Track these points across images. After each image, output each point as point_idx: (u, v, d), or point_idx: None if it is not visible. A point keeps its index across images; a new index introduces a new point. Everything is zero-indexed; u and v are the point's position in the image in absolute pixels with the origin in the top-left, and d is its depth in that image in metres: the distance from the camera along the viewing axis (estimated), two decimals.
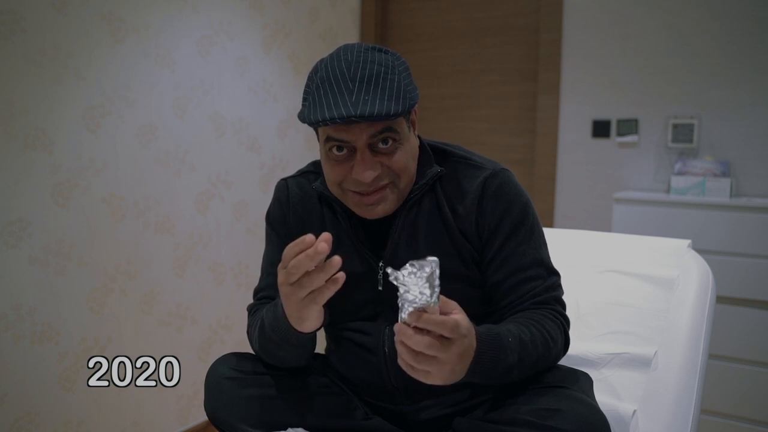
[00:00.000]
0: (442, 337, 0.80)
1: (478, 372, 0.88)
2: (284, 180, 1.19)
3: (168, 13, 2.12)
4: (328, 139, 0.99)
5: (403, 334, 0.80)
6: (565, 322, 1.05)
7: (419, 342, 0.79)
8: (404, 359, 0.82)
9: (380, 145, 0.98)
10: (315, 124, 0.96)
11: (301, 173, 1.19)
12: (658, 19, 2.43)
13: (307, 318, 0.94)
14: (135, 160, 2.04)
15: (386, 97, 0.94)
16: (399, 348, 0.82)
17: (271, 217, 1.19)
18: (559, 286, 1.08)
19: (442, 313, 0.81)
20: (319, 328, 1.03)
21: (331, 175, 1.02)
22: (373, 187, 0.99)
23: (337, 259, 0.86)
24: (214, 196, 2.35)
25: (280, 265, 0.90)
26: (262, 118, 2.54)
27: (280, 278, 0.90)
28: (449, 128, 2.98)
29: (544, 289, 1.04)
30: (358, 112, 0.91)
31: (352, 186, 1.00)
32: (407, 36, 3.08)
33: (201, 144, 2.28)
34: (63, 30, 1.81)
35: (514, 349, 0.92)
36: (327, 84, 0.96)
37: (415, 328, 0.79)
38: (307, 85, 1.00)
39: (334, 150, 0.99)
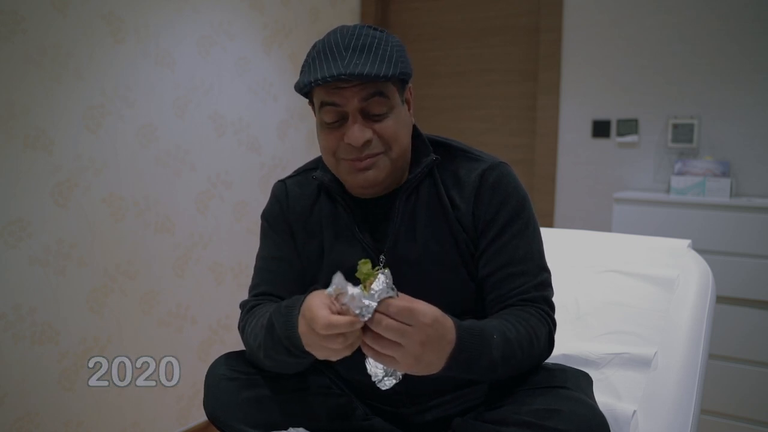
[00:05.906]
0: (402, 323, 0.82)
1: (458, 366, 0.87)
2: (281, 181, 1.20)
3: (168, 13, 2.12)
4: (322, 104, 1.01)
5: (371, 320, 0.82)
6: (551, 323, 1.04)
7: (378, 324, 0.81)
8: (367, 343, 0.84)
9: (371, 112, 1.00)
10: (307, 86, 0.98)
11: (300, 171, 1.20)
12: (658, 19, 2.43)
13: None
14: (135, 160, 2.04)
15: (377, 61, 0.97)
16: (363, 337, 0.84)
17: (268, 215, 1.19)
18: (549, 285, 1.07)
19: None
20: None
21: (325, 143, 1.04)
22: (365, 153, 1.00)
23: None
24: (214, 196, 2.35)
25: (325, 326, 0.84)
26: (262, 118, 2.54)
27: (326, 336, 0.85)
28: (449, 128, 2.98)
29: (533, 287, 1.04)
30: (348, 71, 0.94)
31: (344, 154, 1.02)
32: (407, 36, 3.07)
33: (201, 144, 2.28)
34: (63, 30, 1.81)
35: (497, 346, 0.91)
36: (321, 53, 0.99)
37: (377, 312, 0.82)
38: (305, 60, 1.03)
39: (328, 117, 1.01)
